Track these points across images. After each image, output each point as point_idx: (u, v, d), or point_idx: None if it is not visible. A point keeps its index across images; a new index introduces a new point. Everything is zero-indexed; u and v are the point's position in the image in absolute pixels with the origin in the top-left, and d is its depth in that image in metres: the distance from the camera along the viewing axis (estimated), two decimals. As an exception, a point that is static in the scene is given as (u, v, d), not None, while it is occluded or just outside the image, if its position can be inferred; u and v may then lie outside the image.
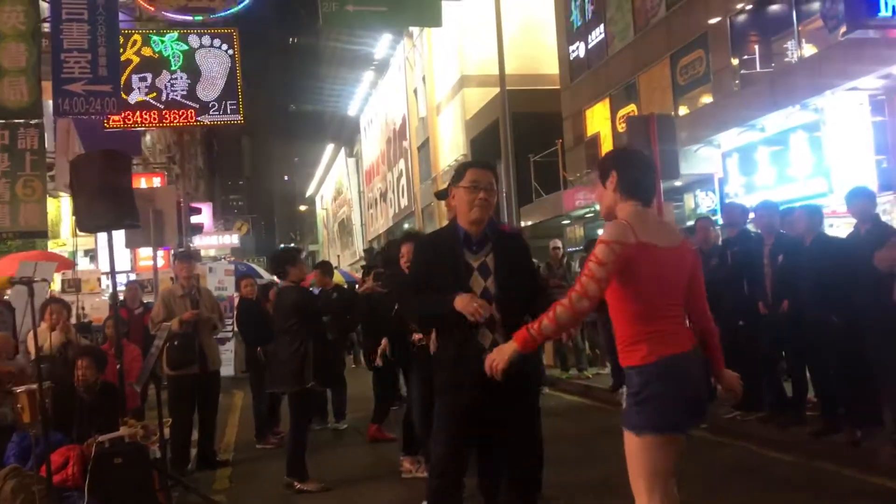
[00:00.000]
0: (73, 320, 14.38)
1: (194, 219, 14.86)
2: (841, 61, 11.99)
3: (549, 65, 26.37)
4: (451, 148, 34.58)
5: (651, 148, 9.19)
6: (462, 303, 3.32)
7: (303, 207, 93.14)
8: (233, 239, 42.87)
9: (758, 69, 15.72)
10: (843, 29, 9.86)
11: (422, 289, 3.56)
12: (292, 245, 26.87)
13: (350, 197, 56.75)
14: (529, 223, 22.64)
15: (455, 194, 3.59)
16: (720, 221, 9.59)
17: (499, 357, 2.89)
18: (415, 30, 38.57)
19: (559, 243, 10.77)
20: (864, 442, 5.54)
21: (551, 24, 25.54)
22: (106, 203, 5.49)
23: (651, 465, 2.76)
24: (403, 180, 41.13)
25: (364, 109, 53.46)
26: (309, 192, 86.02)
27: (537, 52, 29.50)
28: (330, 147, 68.09)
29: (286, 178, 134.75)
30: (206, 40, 15.30)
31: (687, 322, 3.04)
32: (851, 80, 11.90)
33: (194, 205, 22.29)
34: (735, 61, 16.28)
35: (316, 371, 5.80)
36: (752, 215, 7.65)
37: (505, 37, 29.55)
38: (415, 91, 39.94)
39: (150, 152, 39.44)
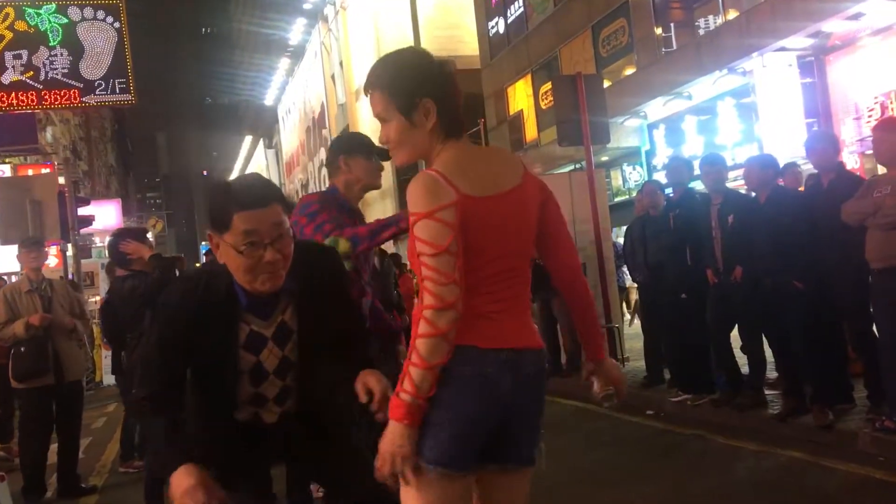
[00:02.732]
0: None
1: (82, 210, 13.43)
2: (769, 19, 11.48)
3: (469, 45, 25.61)
4: (372, 134, 33.16)
5: (579, 110, 8.41)
6: (177, 490, 2.05)
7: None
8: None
9: (674, 46, 15.27)
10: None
11: (171, 380, 2.21)
12: (136, 226, 24.40)
13: (270, 189, 54.95)
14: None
15: (218, 246, 2.15)
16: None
17: (390, 453, 1.79)
18: (330, 13, 37.46)
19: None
20: (837, 424, 4.82)
21: (469, 3, 24.70)
22: None
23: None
24: (325, 170, 39.88)
25: (281, 98, 52.00)
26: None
27: (456, 33, 28.77)
28: (248, 139, 66.24)
29: (205, 172, 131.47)
30: (88, 12, 13.79)
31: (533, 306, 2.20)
32: (780, 39, 11.41)
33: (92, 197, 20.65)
34: (658, 30, 15.77)
35: None
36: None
37: (421, 17, 28.93)
38: (332, 77, 38.86)
39: (52, 148, 37.05)
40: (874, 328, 4.74)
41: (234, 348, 2.21)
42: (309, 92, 43.11)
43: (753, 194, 5.51)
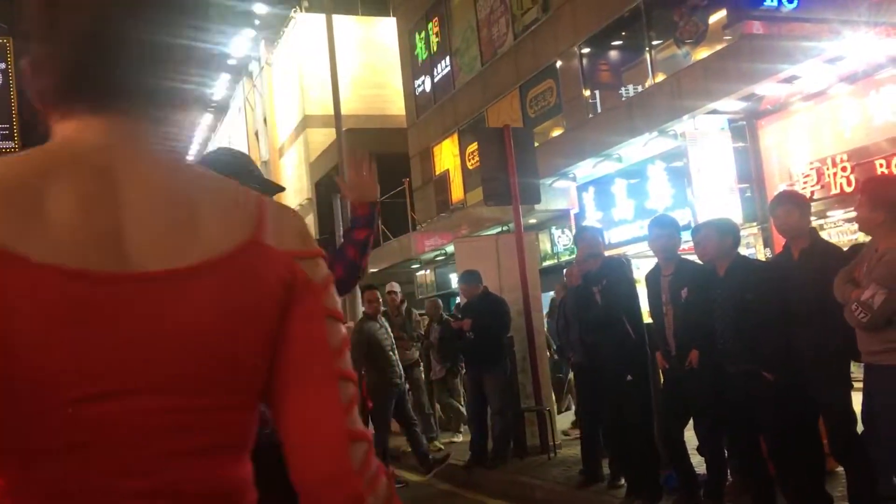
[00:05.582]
0: None
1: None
2: (702, 80, 11.08)
3: (396, 104, 25.18)
4: (295, 192, 32.70)
5: (507, 168, 7.61)
6: None
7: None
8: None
9: (598, 109, 14.99)
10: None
11: None
12: None
13: (189, 247, 53.27)
14: (377, 269, 20.81)
15: None
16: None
17: None
18: (255, 69, 36.77)
19: (396, 287, 8.90)
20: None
21: (396, 63, 24.26)
22: None
23: None
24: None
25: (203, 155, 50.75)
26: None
27: (382, 92, 28.42)
28: (167, 195, 64.46)
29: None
30: (-32, 51, 12.51)
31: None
32: (712, 102, 11.00)
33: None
34: (587, 92, 15.44)
35: None
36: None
37: (349, 76, 28.40)
38: (256, 133, 38.07)
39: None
40: (859, 429, 3.92)
41: None
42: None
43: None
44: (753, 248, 11.89)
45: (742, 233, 11.51)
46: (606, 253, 6.07)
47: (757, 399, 4.15)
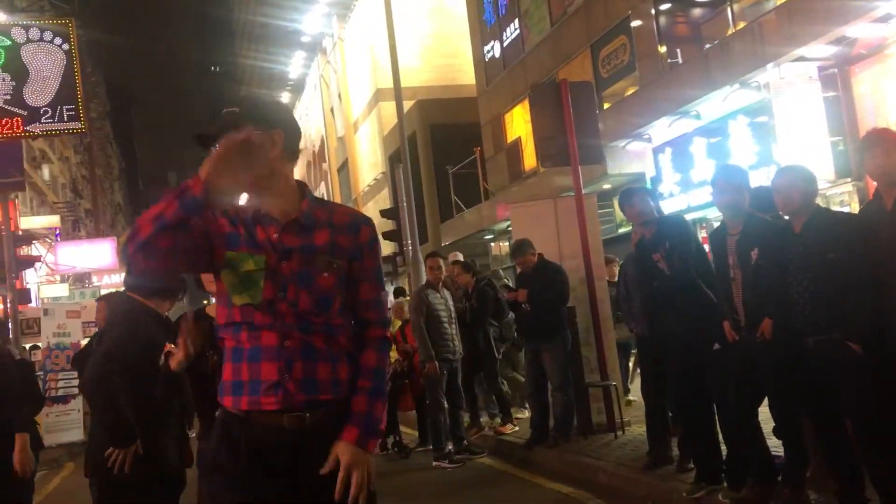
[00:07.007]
0: None
1: (26, 250, 12.14)
2: (786, 24, 10.14)
3: (468, 73, 24.65)
4: (369, 167, 32.75)
5: (564, 126, 7.03)
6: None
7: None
8: (145, 276, 40.02)
9: (679, 61, 14.06)
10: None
11: None
12: None
13: (273, 225, 54.59)
14: (449, 241, 20.49)
15: None
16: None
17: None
18: (328, 45, 36.79)
19: (460, 256, 8.43)
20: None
21: (467, 31, 23.63)
22: None
23: None
24: (324, 204, 39.49)
25: (282, 133, 51.61)
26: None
27: (454, 61, 27.98)
28: (250, 175, 65.94)
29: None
30: (34, 33, 12.64)
31: None
32: (798, 47, 10.05)
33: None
34: (662, 48, 14.51)
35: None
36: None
37: (420, 46, 28.04)
38: (331, 110, 38.27)
39: (49, 187, 36.13)
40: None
41: None
42: (309, 126, 42.53)
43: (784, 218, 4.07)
44: (848, 206, 10.93)
45: (835, 190, 10.77)
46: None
47: (841, 373, 3.54)
